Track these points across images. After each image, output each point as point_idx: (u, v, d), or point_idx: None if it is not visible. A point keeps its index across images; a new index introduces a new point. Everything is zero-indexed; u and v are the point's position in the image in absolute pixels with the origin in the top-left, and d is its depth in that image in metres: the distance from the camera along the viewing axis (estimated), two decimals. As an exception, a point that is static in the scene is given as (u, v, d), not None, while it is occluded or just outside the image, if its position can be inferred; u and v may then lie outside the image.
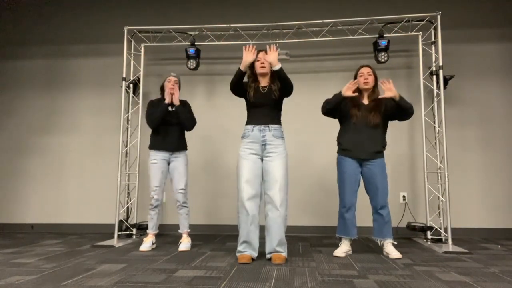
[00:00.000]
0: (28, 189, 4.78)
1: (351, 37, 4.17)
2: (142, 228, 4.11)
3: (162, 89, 3.53)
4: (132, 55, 4.39)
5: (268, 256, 2.83)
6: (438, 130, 3.97)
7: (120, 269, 2.56)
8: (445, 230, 3.67)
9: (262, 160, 2.92)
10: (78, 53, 4.94)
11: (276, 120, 2.96)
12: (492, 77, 4.41)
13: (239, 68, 2.87)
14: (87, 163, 4.74)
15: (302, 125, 4.49)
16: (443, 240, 3.69)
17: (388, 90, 2.98)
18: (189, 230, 3.49)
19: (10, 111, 4.94)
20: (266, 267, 2.62)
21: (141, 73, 4.38)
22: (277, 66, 2.83)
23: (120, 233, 3.95)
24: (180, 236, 3.52)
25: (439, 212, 3.86)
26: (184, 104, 3.49)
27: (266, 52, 2.90)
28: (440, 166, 3.92)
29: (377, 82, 3.15)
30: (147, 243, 3.34)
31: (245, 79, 3.02)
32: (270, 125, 2.90)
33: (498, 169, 4.29)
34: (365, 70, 3.13)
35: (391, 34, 4.06)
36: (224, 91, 4.58)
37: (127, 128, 4.37)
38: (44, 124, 4.87)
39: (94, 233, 4.47)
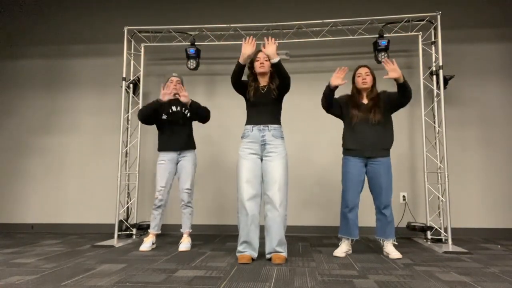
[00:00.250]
0: (28, 189, 4.78)
1: (351, 37, 4.17)
2: (142, 228, 4.11)
3: None
4: (132, 55, 4.39)
5: (268, 256, 2.83)
6: (438, 130, 3.97)
7: (120, 269, 2.56)
8: (445, 230, 3.67)
9: (261, 160, 2.92)
10: (78, 53, 4.94)
11: (276, 120, 2.95)
12: (492, 77, 4.41)
13: (237, 61, 2.86)
14: (87, 163, 4.74)
15: (302, 125, 4.49)
16: (443, 240, 3.69)
17: (392, 70, 2.93)
18: (190, 231, 3.49)
19: (10, 111, 4.94)
20: (266, 267, 2.62)
21: (141, 73, 4.38)
22: (275, 59, 2.81)
23: (120, 233, 3.95)
24: (180, 236, 3.52)
25: (439, 212, 3.86)
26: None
27: (264, 46, 2.87)
28: (440, 166, 3.92)
29: (375, 82, 3.16)
30: (147, 243, 3.34)
31: (246, 79, 3.02)
32: (269, 125, 2.90)
33: (498, 169, 4.29)
34: (363, 71, 3.13)
35: (391, 34, 4.06)
36: (224, 91, 4.58)
37: (127, 128, 4.37)
38: (44, 124, 4.87)
39: (94, 233, 4.47)
